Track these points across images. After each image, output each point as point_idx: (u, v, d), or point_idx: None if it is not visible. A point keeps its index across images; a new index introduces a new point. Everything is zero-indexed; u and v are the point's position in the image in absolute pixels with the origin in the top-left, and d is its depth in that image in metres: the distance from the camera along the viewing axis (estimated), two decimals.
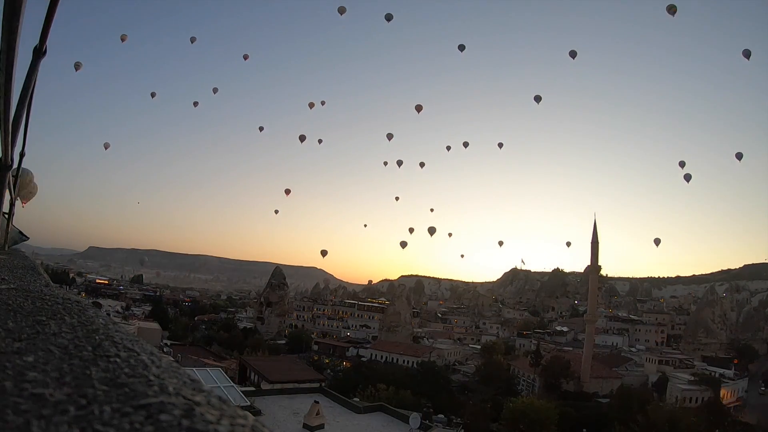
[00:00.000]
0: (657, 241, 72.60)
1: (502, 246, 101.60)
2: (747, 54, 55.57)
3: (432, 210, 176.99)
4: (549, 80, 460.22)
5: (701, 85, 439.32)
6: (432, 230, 77.26)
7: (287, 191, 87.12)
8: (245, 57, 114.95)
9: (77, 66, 58.38)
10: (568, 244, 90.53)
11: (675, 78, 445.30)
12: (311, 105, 76.18)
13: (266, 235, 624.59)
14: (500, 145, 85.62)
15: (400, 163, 79.90)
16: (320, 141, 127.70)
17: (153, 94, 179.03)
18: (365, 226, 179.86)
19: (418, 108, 73.95)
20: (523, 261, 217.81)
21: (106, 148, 75.43)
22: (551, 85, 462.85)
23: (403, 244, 78.22)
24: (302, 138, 73.29)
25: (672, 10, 55.27)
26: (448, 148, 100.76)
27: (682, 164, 64.98)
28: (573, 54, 66.40)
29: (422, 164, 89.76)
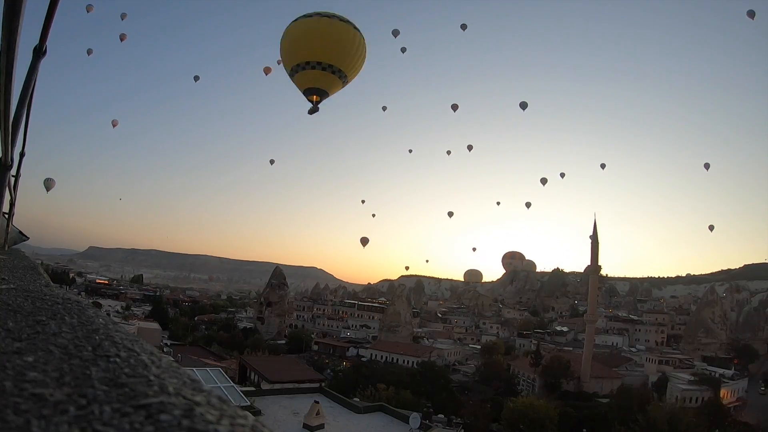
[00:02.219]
0: (711, 228, 78.26)
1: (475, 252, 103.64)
2: (751, 14, 56.63)
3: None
4: (550, 79, 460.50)
5: (701, 85, 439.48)
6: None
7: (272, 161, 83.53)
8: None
9: (89, 8, 59.24)
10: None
11: (675, 78, 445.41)
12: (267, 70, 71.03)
13: (266, 235, 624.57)
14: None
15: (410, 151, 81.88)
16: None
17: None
18: (373, 215, 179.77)
19: (454, 107, 73.82)
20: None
21: (114, 126, 75.79)
22: (552, 84, 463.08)
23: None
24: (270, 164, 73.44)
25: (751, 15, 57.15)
26: (449, 152, 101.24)
27: (707, 166, 69.00)
28: (523, 105, 66.94)
29: (450, 153, 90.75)
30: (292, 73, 27.90)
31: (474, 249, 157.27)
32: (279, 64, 35.34)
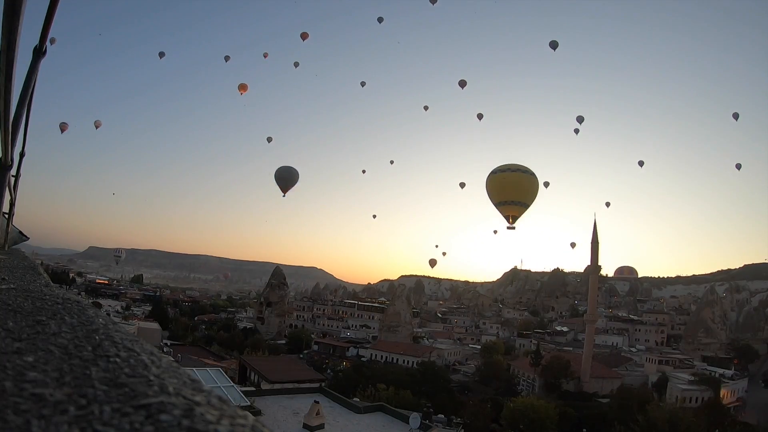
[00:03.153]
0: (738, 166, 76.54)
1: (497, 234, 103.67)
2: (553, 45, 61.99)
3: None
4: (549, 80, 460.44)
5: (701, 85, 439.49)
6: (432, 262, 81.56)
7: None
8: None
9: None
10: (573, 245, 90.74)
11: (675, 77, 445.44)
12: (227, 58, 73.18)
13: (266, 235, 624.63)
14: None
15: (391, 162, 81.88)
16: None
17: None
18: (374, 216, 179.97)
19: (462, 83, 73.80)
20: (522, 261, 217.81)
21: (96, 127, 75.43)
22: (552, 84, 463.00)
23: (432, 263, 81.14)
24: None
25: None
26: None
27: (738, 166, 68.92)
28: (554, 44, 68.34)
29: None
30: (498, 205, 44.76)
31: (436, 246, 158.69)
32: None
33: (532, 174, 44.37)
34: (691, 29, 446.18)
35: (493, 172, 44.83)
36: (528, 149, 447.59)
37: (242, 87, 69.02)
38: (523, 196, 43.80)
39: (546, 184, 74.54)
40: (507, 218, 44.56)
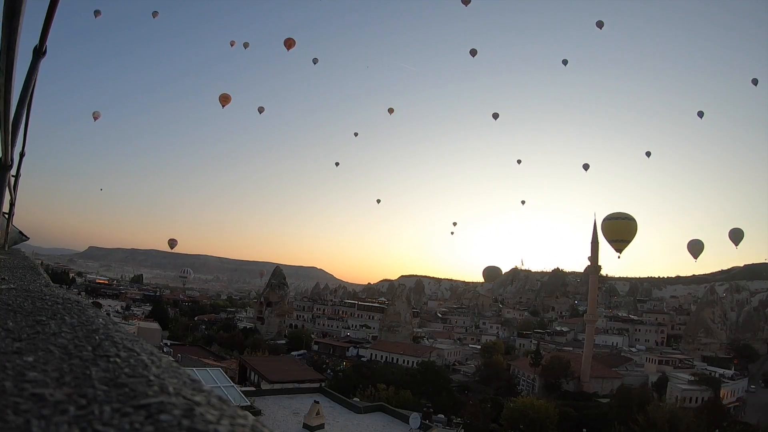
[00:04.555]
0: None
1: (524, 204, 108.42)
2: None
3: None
4: (550, 80, 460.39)
5: (701, 84, 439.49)
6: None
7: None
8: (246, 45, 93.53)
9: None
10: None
11: (676, 76, 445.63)
12: (224, 100, 66.08)
13: (266, 235, 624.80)
14: (518, 162, 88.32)
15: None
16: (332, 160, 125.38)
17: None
18: (378, 201, 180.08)
19: (473, 52, 73.17)
20: (522, 261, 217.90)
21: (95, 119, 73.21)
22: (553, 84, 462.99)
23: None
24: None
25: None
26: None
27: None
28: (565, 62, 69.90)
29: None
30: (611, 242, 62.63)
31: (455, 224, 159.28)
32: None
33: (634, 220, 62.72)
34: (692, 26, 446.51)
35: (608, 219, 63.14)
36: (529, 148, 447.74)
37: (224, 98, 64.32)
38: (626, 236, 62.36)
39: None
40: (617, 250, 62.33)
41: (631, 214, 63.35)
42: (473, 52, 74.02)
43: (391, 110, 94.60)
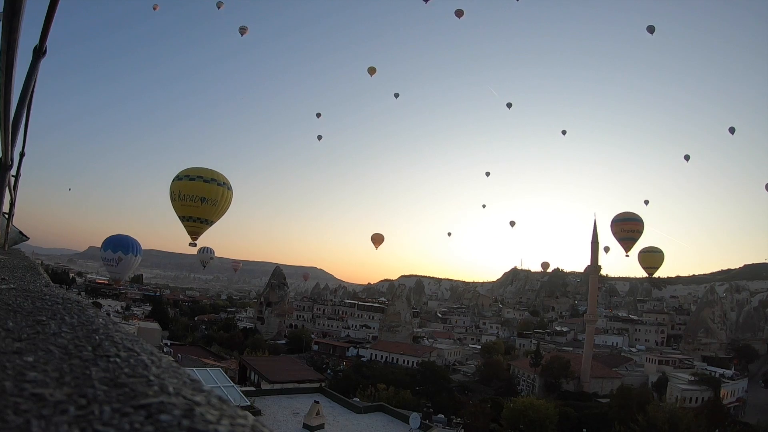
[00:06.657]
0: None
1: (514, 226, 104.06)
2: (651, 29, 60.40)
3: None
4: (550, 80, 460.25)
5: (701, 84, 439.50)
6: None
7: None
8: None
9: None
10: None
11: (677, 77, 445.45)
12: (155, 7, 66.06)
13: (266, 235, 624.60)
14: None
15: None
16: (319, 137, 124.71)
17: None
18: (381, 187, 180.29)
19: (459, 13, 64.78)
20: (522, 261, 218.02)
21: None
22: (554, 84, 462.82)
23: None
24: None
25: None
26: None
27: (687, 157, 68.62)
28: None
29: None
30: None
31: (449, 234, 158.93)
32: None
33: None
34: (686, 27, 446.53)
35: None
36: (528, 149, 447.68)
37: (243, 29, 65.66)
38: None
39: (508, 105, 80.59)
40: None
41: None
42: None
43: (371, 70, 74.09)
